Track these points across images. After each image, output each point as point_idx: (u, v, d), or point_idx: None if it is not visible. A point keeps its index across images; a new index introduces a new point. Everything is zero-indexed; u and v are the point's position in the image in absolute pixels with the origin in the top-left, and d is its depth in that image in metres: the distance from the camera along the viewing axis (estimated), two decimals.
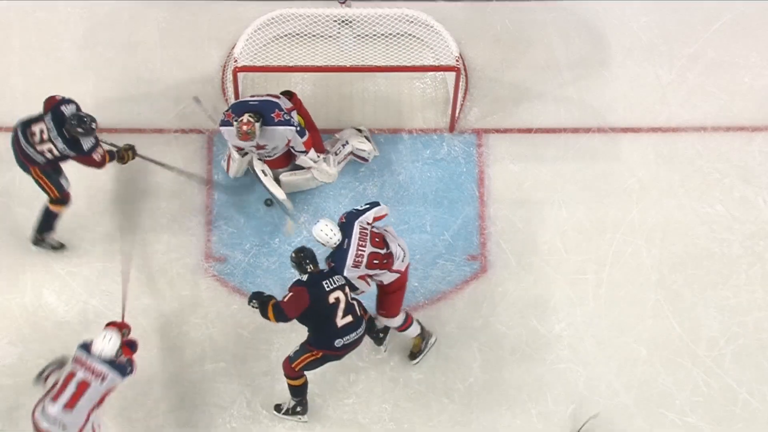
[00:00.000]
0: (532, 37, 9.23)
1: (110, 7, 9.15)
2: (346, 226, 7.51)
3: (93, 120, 7.85)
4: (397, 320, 7.88)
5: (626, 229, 8.52)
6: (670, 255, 8.43)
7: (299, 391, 7.72)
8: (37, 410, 7.22)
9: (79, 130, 7.77)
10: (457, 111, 8.82)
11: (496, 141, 8.77)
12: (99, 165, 8.00)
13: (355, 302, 7.48)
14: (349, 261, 7.43)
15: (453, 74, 8.53)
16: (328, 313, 7.33)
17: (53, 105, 7.86)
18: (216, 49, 9.13)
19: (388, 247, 7.60)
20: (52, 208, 8.18)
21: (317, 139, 8.50)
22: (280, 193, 8.40)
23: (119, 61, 9.00)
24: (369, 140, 8.69)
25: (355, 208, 7.66)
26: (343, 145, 8.59)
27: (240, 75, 8.56)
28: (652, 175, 8.71)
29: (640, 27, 9.24)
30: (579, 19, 9.19)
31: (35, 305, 8.19)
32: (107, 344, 7.30)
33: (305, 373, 7.64)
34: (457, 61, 8.48)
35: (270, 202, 8.48)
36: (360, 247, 7.47)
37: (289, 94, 8.41)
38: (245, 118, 7.95)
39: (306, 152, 8.29)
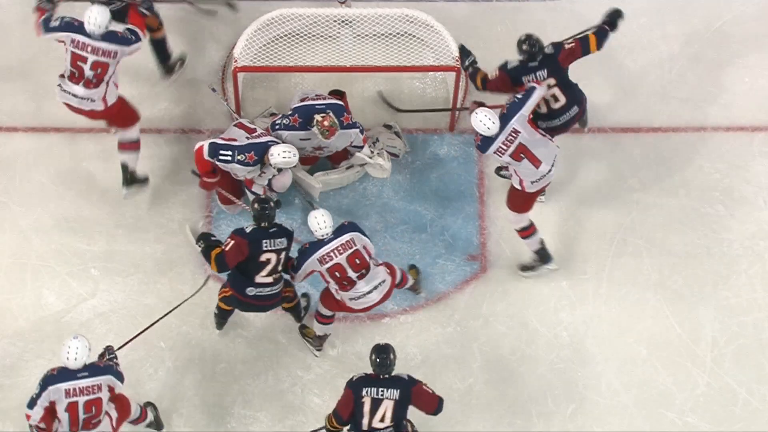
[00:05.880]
0: None
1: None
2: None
3: None
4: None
5: (626, 229, 8.52)
6: (670, 255, 8.43)
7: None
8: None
9: None
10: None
11: None
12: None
13: (281, 265, 7.56)
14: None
15: (453, 74, 8.54)
16: (254, 269, 7.51)
17: None
18: (216, 49, 9.13)
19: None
20: (154, 36, 8.28)
21: None
22: (315, 182, 8.43)
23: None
24: (399, 136, 8.71)
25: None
26: (374, 143, 8.59)
27: (240, 75, 8.57)
28: (652, 175, 8.71)
29: (640, 27, 9.25)
30: (579, 19, 9.17)
31: (35, 305, 8.18)
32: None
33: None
34: (457, 61, 8.48)
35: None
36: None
37: (339, 94, 8.46)
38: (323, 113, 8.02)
39: (362, 147, 8.36)
